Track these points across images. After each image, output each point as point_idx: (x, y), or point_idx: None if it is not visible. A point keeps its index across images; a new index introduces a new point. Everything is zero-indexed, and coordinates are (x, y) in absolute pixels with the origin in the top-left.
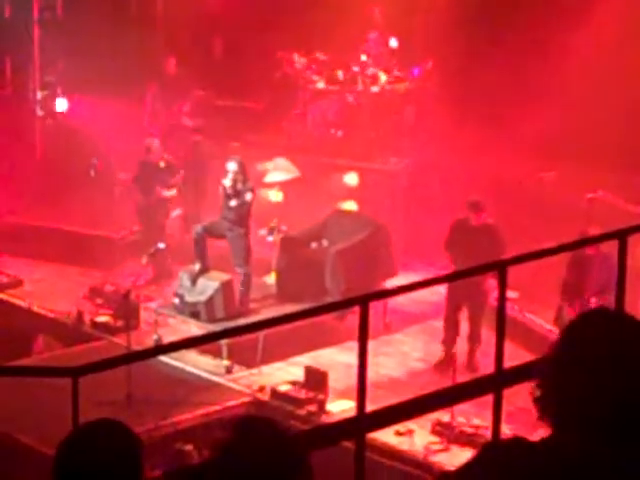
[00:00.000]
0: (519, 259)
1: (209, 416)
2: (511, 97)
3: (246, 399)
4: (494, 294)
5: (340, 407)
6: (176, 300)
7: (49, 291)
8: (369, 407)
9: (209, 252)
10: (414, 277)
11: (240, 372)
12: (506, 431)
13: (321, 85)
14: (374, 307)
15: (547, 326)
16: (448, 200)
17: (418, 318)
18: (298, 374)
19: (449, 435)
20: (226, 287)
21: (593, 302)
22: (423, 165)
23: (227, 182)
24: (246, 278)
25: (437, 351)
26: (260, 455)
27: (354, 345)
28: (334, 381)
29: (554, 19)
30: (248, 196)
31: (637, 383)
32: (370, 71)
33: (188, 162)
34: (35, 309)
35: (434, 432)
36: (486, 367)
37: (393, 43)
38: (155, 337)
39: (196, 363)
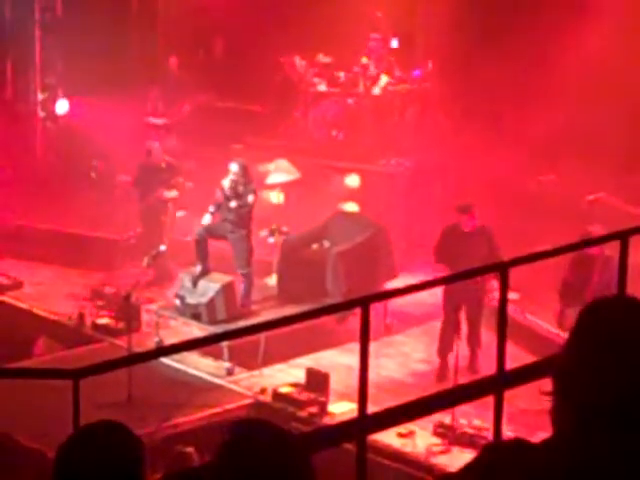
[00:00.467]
0: (520, 261)
1: (210, 418)
2: (512, 98)
3: (247, 401)
4: (495, 295)
5: (341, 409)
6: (177, 302)
7: (50, 293)
8: (370, 409)
9: (210, 253)
10: (415, 279)
11: (241, 374)
12: (507, 433)
13: (322, 87)
14: (375, 309)
15: (548, 327)
16: (449, 201)
17: (419, 320)
18: (299, 376)
19: (450, 437)
20: (227, 289)
21: None
22: (424, 166)
23: (226, 183)
24: (247, 280)
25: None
26: (260, 457)
27: (355, 347)
28: (335, 383)
29: (554, 20)
30: (250, 198)
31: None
32: (371, 73)
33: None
34: (36, 311)
35: (435, 434)
36: (487, 369)
37: (394, 45)
38: (156, 339)
39: (197, 365)
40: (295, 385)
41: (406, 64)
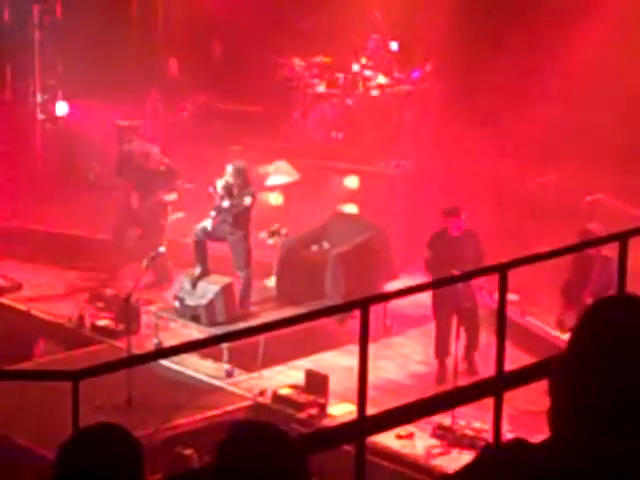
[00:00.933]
0: (519, 262)
1: (210, 420)
2: (511, 99)
3: (247, 403)
4: (494, 297)
5: (341, 410)
6: (177, 304)
7: (49, 295)
8: (370, 410)
9: (209, 255)
10: (414, 280)
11: (241, 376)
12: (507, 434)
13: (321, 88)
14: (374, 310)
15: (547, 329)
16: (448, 203)
17: (419, 321)
18: (299, 377)
19: (450, 438)
20: (227, 290)
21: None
22: (423, 168)
23: (219, 182)
24: (246, 281)
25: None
26: (258, 459)
27: (355, 348)
28: (335, 384)
29: (554, 21)
30: (246, 200)
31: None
32: (370, 74)
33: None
34: (35, 313)
35: (435, 435)
36: (486, 370)
37: (393, 46)
38: (155, 341)
39: (197, 367)
40: (294, 387)
41: (405, 65)
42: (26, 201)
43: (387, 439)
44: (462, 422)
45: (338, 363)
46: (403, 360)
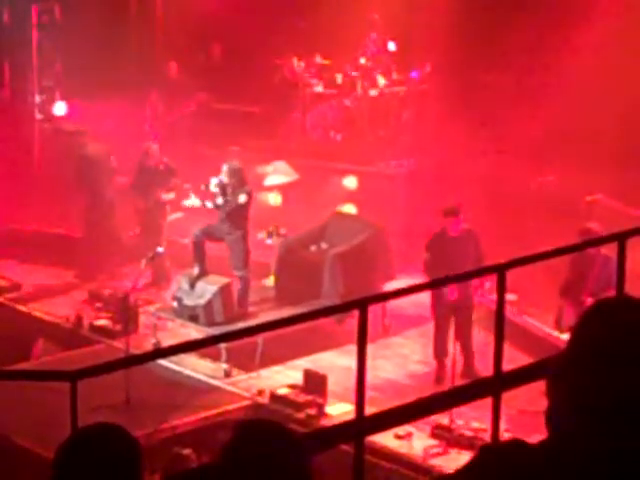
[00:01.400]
0: (518, 262)
1: (208, 420)
2: (510, 99)
3: (245, 403)
4: (491, 297)
5: (339, 410)
6: (175, 304)
7: (47, 295)
8: (368, 410)
9: (208, 255)
10: (413, 280)
11: (239, 376)
12: (505, 434)
13: (320, 89)
14: (373, 310)
15: (546, 329)
16: (447, 203)
17: (417, 321)
18: (297, 377)
19: (448, 438)
20: (225, 290)
21: (589, 302)
22: (422, 168)
23: (213, 180)
24: (245, 281)
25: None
26: (264, 458)
27: (353, 348)
28: (333, 384)
29: (552, 21)
30: (241, 198)
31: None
32: (369, 75)
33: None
34: (34, 313)
35: (433, 435)
36: (484, 370)
37: (391, 46)
38: (154, 341)
39: (195, 367)
40: (293, 387)
41: (403, 66)
42: (24, 201)
43: (385, 439)
44: (460, 422)
45: (336, 363)
46: (401, 360)
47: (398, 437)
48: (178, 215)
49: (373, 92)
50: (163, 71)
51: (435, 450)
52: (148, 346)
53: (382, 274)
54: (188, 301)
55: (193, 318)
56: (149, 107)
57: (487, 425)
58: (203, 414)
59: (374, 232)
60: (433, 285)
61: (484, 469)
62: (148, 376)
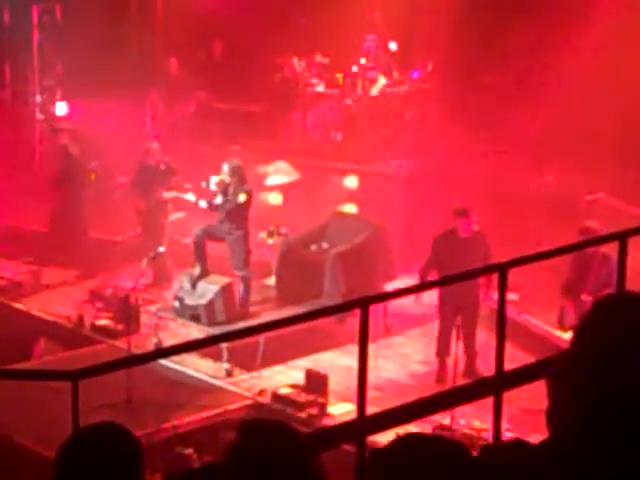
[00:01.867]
0: (519, 261)
1: (210, 419)
2: (510, 99)
3: (247, 402)
4: (494, 296)
5: (341, 410)
6: (176, 303)
7: (49, 294)
8: (370, 410)
9: (209, 255)
10: (414, 280)
11: (241, 375)
12: (506, 433)
13: (321, 88)
14: (374, 310)
15: (547, 328)
16: (448, 203)
17: (418, 321)
18: (299, 377)
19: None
20: (226, 290)
21: (589, 301)
22: (423, 168)
23: (212, 179)
24: (246, 281)
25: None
26: (270, 457)
27: (354, 348)
28: (334, 384)
29: (552, 22)
30: (240, 197)
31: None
32: (370, 74)
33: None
34: (35, 313)
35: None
36: (486, 370)
37: (392, 46)
38: (155, 340)
39: (196, 366)
40: (294, 386)
41: (405, 65)
42: (25, 201)
43: (387, 438)
44: (462, 421)
45: (338, 363)
46: (403, 359)
47: None
48: (180, 215)
49: (374, 92)
50: (163, 69)
51: None
52: (149, 346)
53: (383, 274)
54: (189, 301)
55: (194, 318)
56: (149, 106)
57: (488, 424)
58: (205, 414)
59: (375, 232)
60: (434, 285)
61: (486, 470)
62: (150, 376)
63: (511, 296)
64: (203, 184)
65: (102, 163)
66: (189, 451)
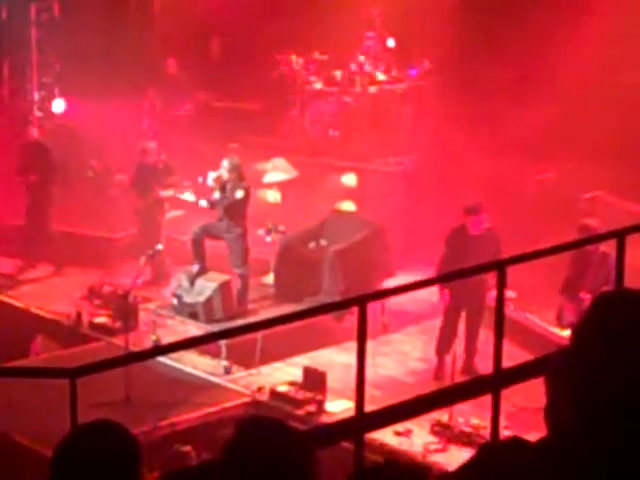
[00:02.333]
0: (518, 259)
1: (208, 417)
2: (509, 96)
3: (245, 400)
4: (492, 294)
5: (339, 407)
6: (174, 301)
7: (47, 292)
8: (368, 407)
9: (207, 253)
10: (412, 277)
11: (239, 373)
12: (505, 431)
13: (319, 85)
14: (372, 307)
15: (545, 326)
16: (446, 200)
17: (417, 318)
18: (297, 374)
19: (448, 435)
20: (224, 288)
21: (587, 299)
22: (421, 165)
23: (212, 174)
24: (244, 279)
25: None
26: (268, 454)
27: (353, 345)
28: (333, 381)
29: (552, 19)
30: (238, 194)
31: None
32: (368, 71)
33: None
34: (33, 310)
35: (433, 432)
36: (484, 367)
37: (391, 43)
38: (153, 338)
39: (195, 364)
40: (292, 384)
41: (403, 63)
42: (23, 198)
43: (385, 436)
44: (460, 419)
45: (336, 360)
46: (401, 357)
47: (398, 434)
48: (177, 213)
49: (372, 89)
50: (162, 68)
51: (435, 447)
52: (148, 343)
53: (381, 271)
54: (188, 298)
55: (193, 315)
56: (147, 104)
57: (487, 422)
58: (203, 411)
59: (373, 229)
60: (433, 282)
61: (484, 467)
62: (148, 373)
63: (509, 294)
64: (200, 179)
65: (99, 160)
66: (187, 448)
